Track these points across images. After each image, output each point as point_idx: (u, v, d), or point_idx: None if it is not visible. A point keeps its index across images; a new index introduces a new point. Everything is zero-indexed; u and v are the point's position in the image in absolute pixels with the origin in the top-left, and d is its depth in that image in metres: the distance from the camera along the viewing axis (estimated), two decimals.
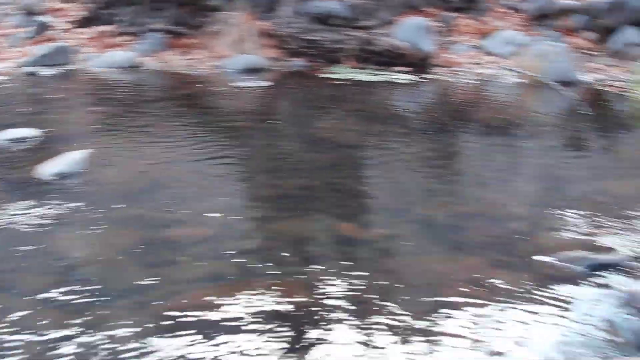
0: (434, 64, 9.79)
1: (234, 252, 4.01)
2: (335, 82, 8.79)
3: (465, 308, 3.47)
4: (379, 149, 6.16)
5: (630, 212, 4.70)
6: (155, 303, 3.42)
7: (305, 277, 3.73)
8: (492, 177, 5.59)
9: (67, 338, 3.10)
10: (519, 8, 11.44)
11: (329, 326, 3.26)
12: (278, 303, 3.45)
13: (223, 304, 3.42)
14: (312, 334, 3.20)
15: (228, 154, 5.92)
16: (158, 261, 3.89)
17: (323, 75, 9.08)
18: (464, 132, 6.90)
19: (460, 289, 3.65)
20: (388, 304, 3.47)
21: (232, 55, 9.59)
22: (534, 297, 3.58)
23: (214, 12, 10.18)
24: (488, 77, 9.38)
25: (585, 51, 10.67)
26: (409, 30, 10.03)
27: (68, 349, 3.02)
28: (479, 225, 4.56)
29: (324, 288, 3.60)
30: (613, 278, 3.78)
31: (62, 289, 3.50)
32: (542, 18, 11.17)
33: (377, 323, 3.29)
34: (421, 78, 9.26)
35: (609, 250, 4.10)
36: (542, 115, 7.86)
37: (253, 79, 8.90)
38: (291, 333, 3.21)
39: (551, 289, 3.66)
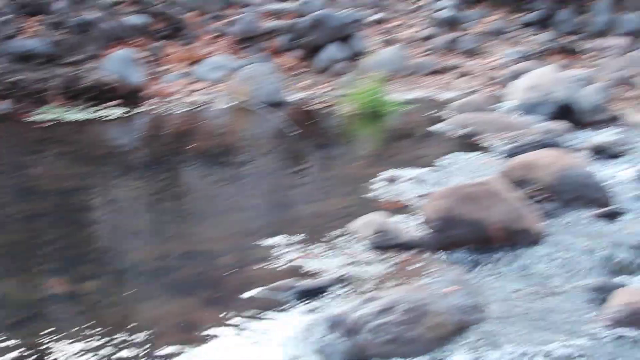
0: (145, 95, 9.69)
1: None
2: (44, 124, 8.47)
3: (178, 352, 3.42)
4: (93, 192, 6.00)
5: (334, 232, 4.85)
6: None
7: (15, 342, 3.53)
8: (207, 210, 5.60)
9: None
10: (225, 32, 11.60)
11: None
12: None
13: None
14: None
15: None
16: None
17: (31, 118, 8.71)
18: (179, 165, 6.88)
19: (174, 332, 3.61)
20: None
21: None
22: (244, 332, 3.60)
23: None
24: (201, 105, 9.42)
25: (293, 70, 10.99)
26: (117, 63, 9.86)
27: None
28: (192, 263, 4.53)
29: (37, 352, 3.44)
30: (320, 303, 3.87)
31: None
32: (248, 40, 11.39)
33: None
34: (134, 111, 9.12)
35: (315, 274, 4.20)
36: (254, 140, 7.99)
37: None
38: None
39: (260, 322, 3.69)
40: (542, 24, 13.95)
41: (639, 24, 13.94)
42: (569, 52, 12.87)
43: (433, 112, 9.12)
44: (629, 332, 3.59)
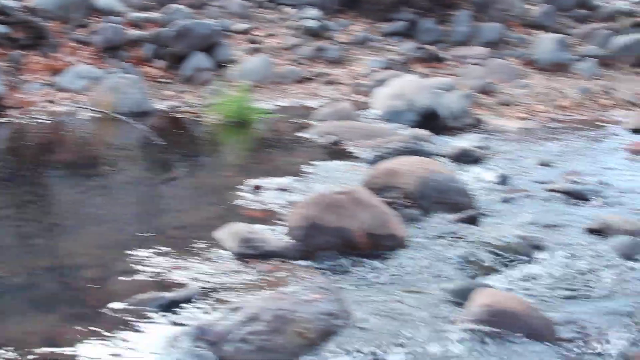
0: (6, 105, 9.39)
1: None
2: None
3: None
4: None
5: (200, 242, 4.81)
6: None
7: None
8: (70, 223, 5.46)
9: None
10: (89, 41, 11.37)
11: None
12: None
13: None
14: None
15: None
16: None
17: None
18: (42, 177, 6.68)
19: (38, 349, 3.50)
20: None
21: None
22: (109, 346, 3.52)
23: None
24: (64, 115, 9.18)
25: (158, 80, 10.87)
26: None
27: None
28: (56, 278, 4.41)
29: None
30: (185, 314, 3.83)
31: None
32: (112, 50, 11.20)
33: None
34: None
35: (180, 285, 4.16)
36: (119, 150, 7.84)
37: None
38: None
39: (126, 335, 3.63)
40: (406, 33, 14.25)
41: (497, 35, 14.42)
42: (431, 61, 13.19)
43: (300, 120, 9.19)
44: (488, 332, 3.70)
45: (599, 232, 5.43)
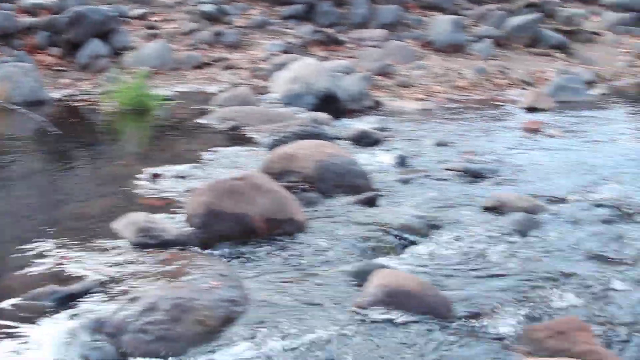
0: None
1: None
2: None
3: None
4: None
5: (97, 233, 4.74)
6: None
7: None
8: None
9: None
10: None
11: None
12: None
13: None
14: None
15: None
16: None
17: None
18: None
19: None
20: None
21: None
22: (5, 344, 3.45)
23: None
24: None
25: (53, 68, 10.66)
26: None
27: None
28: None
29: None
30: (83, 307, 3.77)
31: None
32: (4, 38, 10.91)
33: None
34: None
35: (78, 278, 4.09)
36: (12, 141, 7.64)
37: None
38: None
39: (22, 331, 3.55)
40: (304, 16, 14.26)
41: (394, 16, 14.55)
42: (330, 44, 13.23)
43: (199, 106, 9.14)
44: (384, 312, 3.76)
45: (494, 209, 5.57)
